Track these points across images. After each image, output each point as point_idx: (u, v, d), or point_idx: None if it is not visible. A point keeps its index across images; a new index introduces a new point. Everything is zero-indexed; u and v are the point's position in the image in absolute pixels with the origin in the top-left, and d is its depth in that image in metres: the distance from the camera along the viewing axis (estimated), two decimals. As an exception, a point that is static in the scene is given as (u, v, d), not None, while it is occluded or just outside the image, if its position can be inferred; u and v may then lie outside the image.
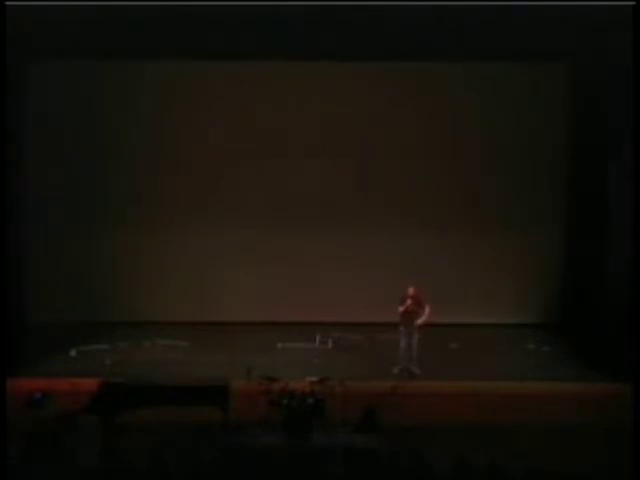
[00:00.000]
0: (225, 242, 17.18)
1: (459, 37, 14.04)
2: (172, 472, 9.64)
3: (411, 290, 14.18)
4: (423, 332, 16.36)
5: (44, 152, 16.22)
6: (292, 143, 17.02)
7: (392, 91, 16.88)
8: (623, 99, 13.46)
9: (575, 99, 16.30)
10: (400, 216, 17.11)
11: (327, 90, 16.85)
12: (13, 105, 13.82)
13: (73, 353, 15.18)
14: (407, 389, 12.77)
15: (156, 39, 14.23)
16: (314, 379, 11.84)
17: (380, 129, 17.02)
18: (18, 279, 14.21)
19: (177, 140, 17.04)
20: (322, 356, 15.01)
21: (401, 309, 14.12)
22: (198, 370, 13.62)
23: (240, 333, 16.44)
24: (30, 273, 14.85)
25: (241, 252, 17.14)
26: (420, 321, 14.12)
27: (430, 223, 17.15)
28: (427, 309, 14.11)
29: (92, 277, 17.01)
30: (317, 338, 16.17)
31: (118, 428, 11.26)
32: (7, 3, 12.75)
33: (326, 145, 16.99)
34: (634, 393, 11.65)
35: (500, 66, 16.42)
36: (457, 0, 13.18)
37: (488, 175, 17.17)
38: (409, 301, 14.14)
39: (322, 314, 16.73)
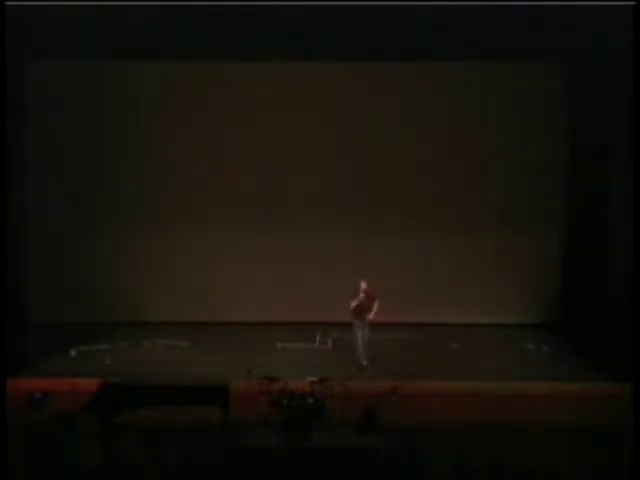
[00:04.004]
0: (225, 242, 17.18)
1: (459, 37, 14.02)
2: (172, 472, 9.64)
3: (363, 284, 14.28)
4: (424, 332, 16.46)
5: (44, 152, 16.21)
6: (292, 143, 17.03)
7: (392, 91, 16.88)
8: (623, 99, 13.45)
9: (575, 99, 16.29)
10: (400, 216, 17.11)
11: (327, 90, 16.85)
12: (13, 105, 13.80)
13: (73, 353, 15.18)
14: (407, 389, 12.76)
15: (156, 39, 14.21)
16: (314, 379, 11.84)
17: (380, 129, 17.03)
18: (18, 279, 14.19)
19: (177, 140, 17.05)
20: (322, 356, 15.01)
21: (354, 304, 14.24)
22: (198, 370, 13.62)
23: (240, 333, 16.45)
24: (30, 273, 14.84)
25: (241, 252, 17.14)
26: (371, 315, 14.24)
27: (430, 223, 17.16)
28: (376, 304, 14.21)
29: (92, 277, 17.02)
30: (317, 338, 16.17)
31: (118, 428, 11.26)
32: (7, 3, 12.75)
33: (326, 145, 17.00)
34: (634, 393, 11.64)
35: (500, 66, 16.41)
36: (457, 0, 13.17)
37: (488, 175, 17.18)
38: (362, 295, 14.23)
39: (322, 314, 16.71)
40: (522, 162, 17.09)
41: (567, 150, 16.68)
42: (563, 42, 14.30)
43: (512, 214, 17.25)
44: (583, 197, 15.94)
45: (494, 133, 17.05)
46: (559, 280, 17.04)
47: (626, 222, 13.44)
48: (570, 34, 14.01)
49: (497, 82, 16.88)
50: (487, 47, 14.42)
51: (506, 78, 16.78)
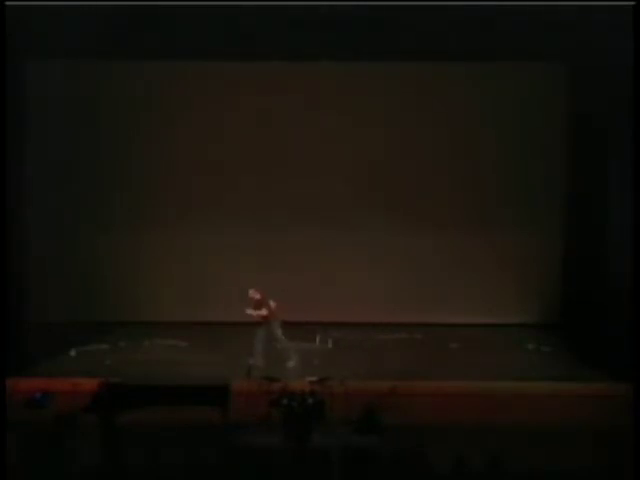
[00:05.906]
0: (225, 242, 17.18)
1: (459, 37, 14.01)
2: (172, 472, 9.64)
3: (251, 292, 14.55)
4: (424, 332, 16.45)
5: (44, 152, 16.22)
6: (292, 143, 17.02)
7: (392, 91, 16.88)
8: (623, 99, 13.45)
9: (575, 99, 16.29)
10: (400, 216, 17.11)
11: (327, 90, 16.84)
12: (13, 105, 13.80)
13: (73, 353, 15.19)
14: (407, 389, 12.76)
15: (156, 39, 14.22)
16: (314, 379, 11.84)
17: (380, 129, 17.02)
18: (18, 279, 14.19)
19: (176, 140, 17.05)
20: (322, 356, 15.00)
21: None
22: (198, 370, 13.61)
23: (240, 333, 16.42)
24: (30, 273, 14.85)
25: (241, 252, 17.13)
26: (256, 313, 14.47)
27: (430, 223, 17.15)
28: (270, 304, 14.47)
29: (92, 277, 17.02)
30: (317, 338, 16.16)
31: (118, 428, 11.25)
32: (7, 3, 12.75)
33: (326, 145, 16.99)
34: (634, 393, 11.65)
35: (500, 66, 16.41)
36: (457, 0, 13.17)
37: (488, 175, 17.17)
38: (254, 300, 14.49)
39: (322, 314, 16.71)
40: (522, 162, 17.08)
41: (567, 150, 16.67)
42: (563, 42, 14.30)
43: (512, 214, 17.25)
44: (583, 197, 15.94)
45: (494, 133, 17.04)
46: (559, 280, 17.04)
47: (626, 222, 13.45)
48: (570, 34, 14.01)
49: (497, 82, 16.86)
50: (487, 47, 14.42)
51: (506, 78, 16.77)
